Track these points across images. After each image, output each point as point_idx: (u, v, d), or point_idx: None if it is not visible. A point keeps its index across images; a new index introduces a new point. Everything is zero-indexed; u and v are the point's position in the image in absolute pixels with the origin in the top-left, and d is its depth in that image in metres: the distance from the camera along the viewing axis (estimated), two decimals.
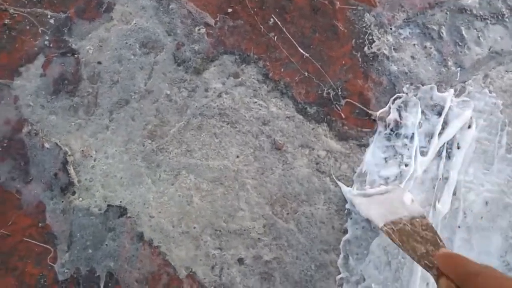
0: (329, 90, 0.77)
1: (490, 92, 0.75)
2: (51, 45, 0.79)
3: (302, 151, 0.76)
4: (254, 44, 0.79)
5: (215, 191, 0.76)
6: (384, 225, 0.64)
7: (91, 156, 0.77)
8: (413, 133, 0.74)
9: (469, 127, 0.74)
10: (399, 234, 0.61)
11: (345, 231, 0.74)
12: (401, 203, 0.66)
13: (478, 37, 0.77)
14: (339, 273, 0.74)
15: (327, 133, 0.76)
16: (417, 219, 0.63)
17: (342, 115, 0.77)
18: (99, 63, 0.79)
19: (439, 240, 0.58)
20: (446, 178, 0.73)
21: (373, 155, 0.74)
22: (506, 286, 0.40)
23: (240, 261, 0.74)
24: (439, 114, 0.74)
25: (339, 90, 0.77)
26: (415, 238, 0.59)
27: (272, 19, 0.79)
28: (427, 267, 0.55)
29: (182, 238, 0.75)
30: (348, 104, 0.77)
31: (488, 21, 0.78)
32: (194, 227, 0.75)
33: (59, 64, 0.79)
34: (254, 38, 0.79)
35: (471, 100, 0.74)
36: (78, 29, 0.80)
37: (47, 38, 0.79)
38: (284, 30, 0.78)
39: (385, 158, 0.74)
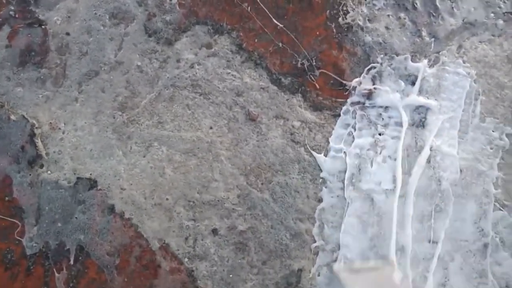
0: (304, 61, 0.85)
1: (464, 62, 0.85)
2: (17, 16, 0.86)
3: (277, 122, 0.84)
4: (227, 15, 0.86)
5: (188, 163, 0.83)
6: None
7: (60, 129, 0.84)
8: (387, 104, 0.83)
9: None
10: None
11: (320, 200, 0.82)
12: (389, 282, 0.74)
13: (452, 7, 0.86)
14: (314, 242, 0.82)
15: (301, 104, 0.84)
16: None
17: (317, 85, 0.85)
18: (68, 34, 0.86)
19: None
20: (421, 146, 0.82)
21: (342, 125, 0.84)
22: None
23: (214, 231, 0.82)
24: (413, 84, 0.84)
25: (314, 60, 0.85)
26: None
27: None
28: None
29: (154, 210, 0.82)
30: (323, 75, 0.85)
31: None
32: (167, 199, 0.82)
33: (26, 35, 0.85)
34: (227, 9, 0.87)
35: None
36: None
37: (12, 8, 0.86)
38: (258, 0, 0.87)
39: (359, 128, 0.83)
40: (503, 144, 0.83)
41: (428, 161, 0.82)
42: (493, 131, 0.83)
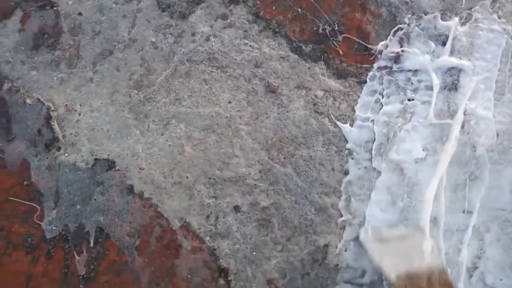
0: (325, 26, 0.81)
1: (499, 17, 0.79)
2: None
3: (298, 93, 0.81)
4: None
5: (207, 139, 0.81)
6: (397, 277, 0.67)
7: (76, 110, 0.82)
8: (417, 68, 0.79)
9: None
10: None
11: (346, 172, 0.78)
12: (419, 252, 0.70)
13: None
14: (341, 216, 0.78)
15: (324, 72, 0.81)
16: (435, 275, 0.65)
17: (340, 51, 0.81)
18: (80, 14, 0.85)
19: None
20: (454, 111, 0.77)
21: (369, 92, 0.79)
22: None
23: (236, 208, 0.79)
24: (444, 44, 0.78)
25: (336, 25, 0.81)
26: None
27: None
28: None
29: (174, 188, 0.80)
30: (346, 40, 0.81)
31: None
32: (187, 177, 0.80)
33: (38, 18, 0.85)
34: None
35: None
36: None
37: None
38: None
39: (387, 94, 0.79)
40: None
41: (462, 126, 0.77)
42: None
